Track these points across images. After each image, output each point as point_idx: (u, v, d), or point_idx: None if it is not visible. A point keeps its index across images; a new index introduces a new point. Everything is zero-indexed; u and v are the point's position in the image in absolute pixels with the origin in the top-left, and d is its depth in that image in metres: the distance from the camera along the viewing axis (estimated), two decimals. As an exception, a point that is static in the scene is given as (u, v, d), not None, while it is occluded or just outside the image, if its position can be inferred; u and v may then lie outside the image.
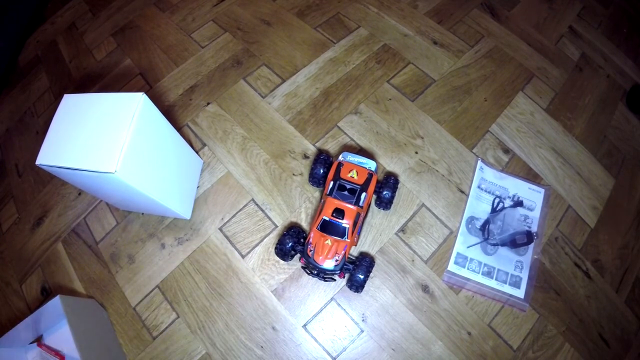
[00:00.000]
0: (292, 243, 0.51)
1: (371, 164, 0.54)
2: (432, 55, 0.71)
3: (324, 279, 0.51)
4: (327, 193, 0.52)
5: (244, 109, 0.67)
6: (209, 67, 0.72)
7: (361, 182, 0.52)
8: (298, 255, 0.54)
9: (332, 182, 0.52)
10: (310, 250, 0.49)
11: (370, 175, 0.53)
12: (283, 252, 0.51)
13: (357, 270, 0.49)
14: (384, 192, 0.54)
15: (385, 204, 0.55)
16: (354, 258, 0.54)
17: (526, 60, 0.71)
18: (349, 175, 0.52)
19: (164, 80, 0.72)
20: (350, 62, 0.71)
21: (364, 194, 0.51)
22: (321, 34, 0.74)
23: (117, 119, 0.42)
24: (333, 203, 0.50)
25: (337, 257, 0.48)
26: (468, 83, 0.68)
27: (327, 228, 0.50)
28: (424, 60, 0.70)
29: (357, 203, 0.51)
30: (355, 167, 0.53)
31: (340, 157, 0.55)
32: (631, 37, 0.77)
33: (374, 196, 0.56)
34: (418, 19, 0.75)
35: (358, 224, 0.51)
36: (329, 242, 0.49)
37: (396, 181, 0.55)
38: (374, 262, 0.52)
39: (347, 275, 0.51)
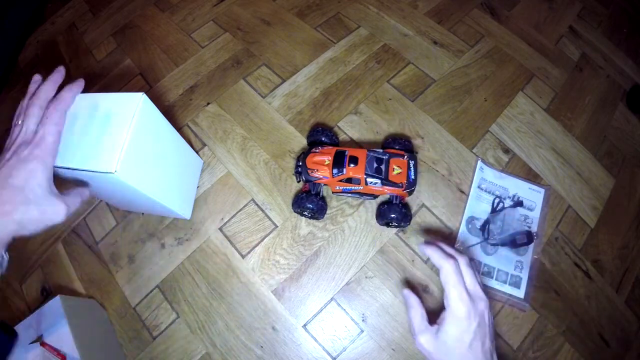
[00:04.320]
0: (324, 138, 0.59)
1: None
2: (432, 55, 0.71)
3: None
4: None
5: (244, 109, 0.67)
6: (209, 67, 0.72)
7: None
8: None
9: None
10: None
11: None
12: (314, 143, 0.59)
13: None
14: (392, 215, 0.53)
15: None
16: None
17: (526, 60, 0.71)
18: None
19: (164, 80, 0.72)
20: (350, 62, 0.71)
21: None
22: (321, 34, 0.74)
23: (117, 119, 0.42)
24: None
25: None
26: (468, 83, 0.68)
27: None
28: (424, 60, 0.70)
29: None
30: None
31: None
32: (631, 37, 0.77)
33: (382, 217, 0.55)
34: (418, 19, 0.75)
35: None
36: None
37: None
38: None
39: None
